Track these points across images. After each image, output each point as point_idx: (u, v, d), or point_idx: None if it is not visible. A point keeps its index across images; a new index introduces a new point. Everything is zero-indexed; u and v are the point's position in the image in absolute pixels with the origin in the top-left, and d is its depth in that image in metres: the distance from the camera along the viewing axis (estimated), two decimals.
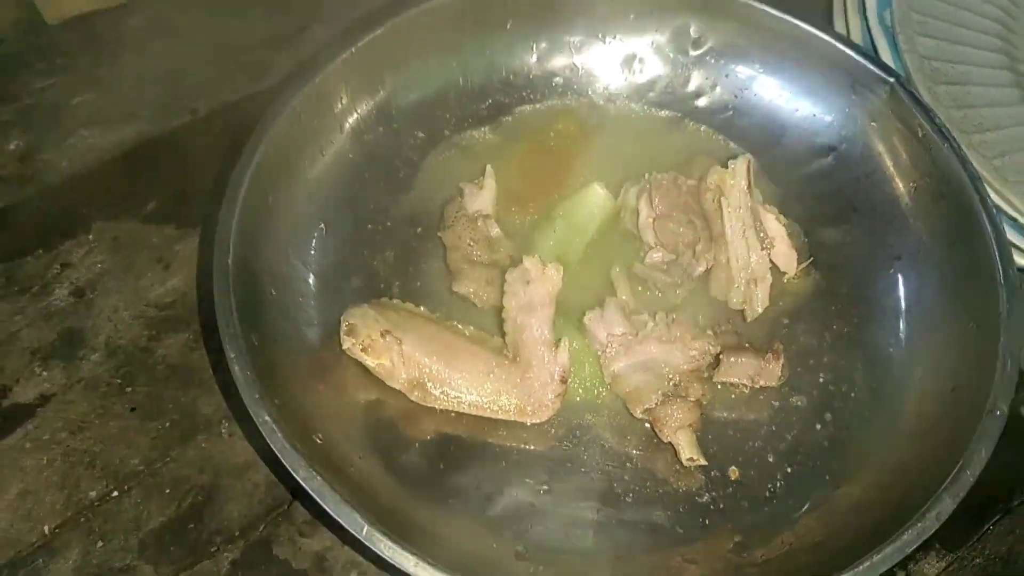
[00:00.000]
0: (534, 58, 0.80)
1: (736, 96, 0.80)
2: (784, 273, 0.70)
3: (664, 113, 0.80)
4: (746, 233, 0.67)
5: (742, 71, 0.79)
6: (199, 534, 0.61)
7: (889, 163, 0.73)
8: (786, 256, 0.70)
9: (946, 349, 0.65)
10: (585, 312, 0.65)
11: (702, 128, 0.80)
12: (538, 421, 0.62)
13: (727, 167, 0.69)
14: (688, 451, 0.61)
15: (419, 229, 0.72)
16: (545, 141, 0.78)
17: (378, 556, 0.50)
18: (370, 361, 0.63)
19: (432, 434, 0.63)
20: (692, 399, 0.62)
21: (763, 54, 0.78)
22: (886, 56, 0.76)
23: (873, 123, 0.73)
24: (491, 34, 0.78)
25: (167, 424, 0.66)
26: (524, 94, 0.80)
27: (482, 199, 0.71)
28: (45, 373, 0.67)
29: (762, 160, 0.77)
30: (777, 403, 0.66)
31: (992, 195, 0.68)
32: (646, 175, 0.72)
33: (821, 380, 0.67)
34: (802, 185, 0.76)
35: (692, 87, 0.80)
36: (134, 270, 0.73)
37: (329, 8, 0.91)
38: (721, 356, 0.64)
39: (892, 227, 0.71)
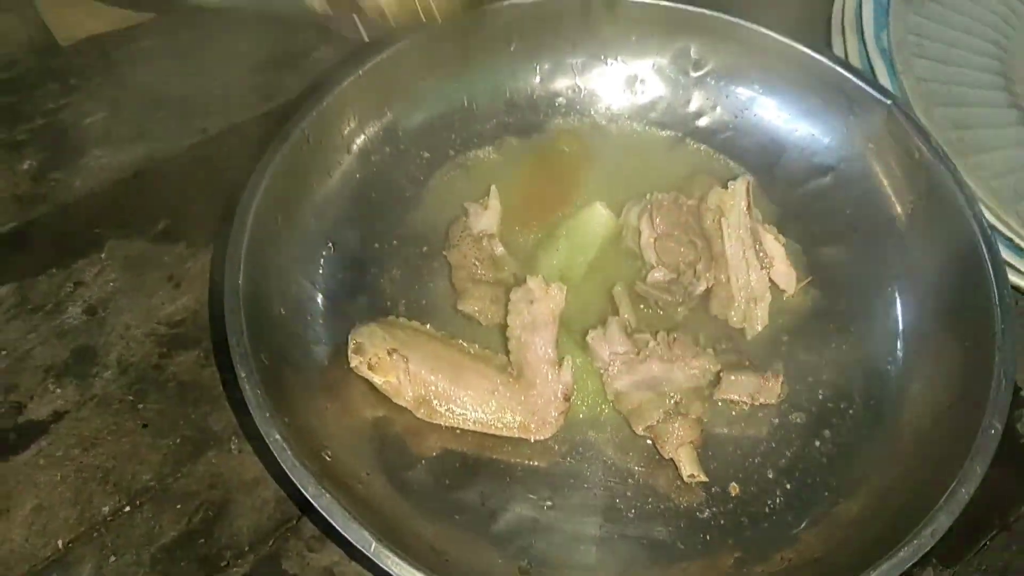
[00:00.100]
0: (537, 79, 0.82)
1: (736, 116, 0.81)
2: (783, 291, 0.72)
3: (665, 133, 0.82)
4: (746, 253, 0.68)
5: (742, 92, 0.81)
6: (209, 549, 0.63)
7: (887, 184, 0.74)
8: (785, 275, 0.71)
9: (943, 367, 0.66)
10: (588, 330, 0.67)
11: (702, 148, 0.81)
12: (542, 438, 0.64)
13: (727, 187, 0.70)
14: (689, 468, 0.62)
15: (425, 248, 0.74)
16: (548, 161, 0.79)
17: (386, 572, 0.52)
18: (377, 379, 0.64)
19: (438, 451, 0.64)
20: (693, 416, 0.63)
21: (763, 76, 0.79)
22: (883, 78, 0.77)
23: (871, 144, 0.75)
24: (495, 56, 0.80)
25: (178, 440, 0.67)
26: (527, 114, 0.82)
27: (486, 219, 0.72)
28: (59, 390, 0.68)
29: (761, 179, 0.78)
30: (777, 420, 0.67)
31: (988, 215, 0.70)
32: (647, 195, 0.73)
33: (820, 397, 0.68)
34: (801, 204, 0.78)
35: (693, 108, 0.82)
36: (145, 288, 0.74)
37: (337, 31, 0.92)
38: (721, 374, 0.66)
39: (890, 247, 0.73)
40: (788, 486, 0.64)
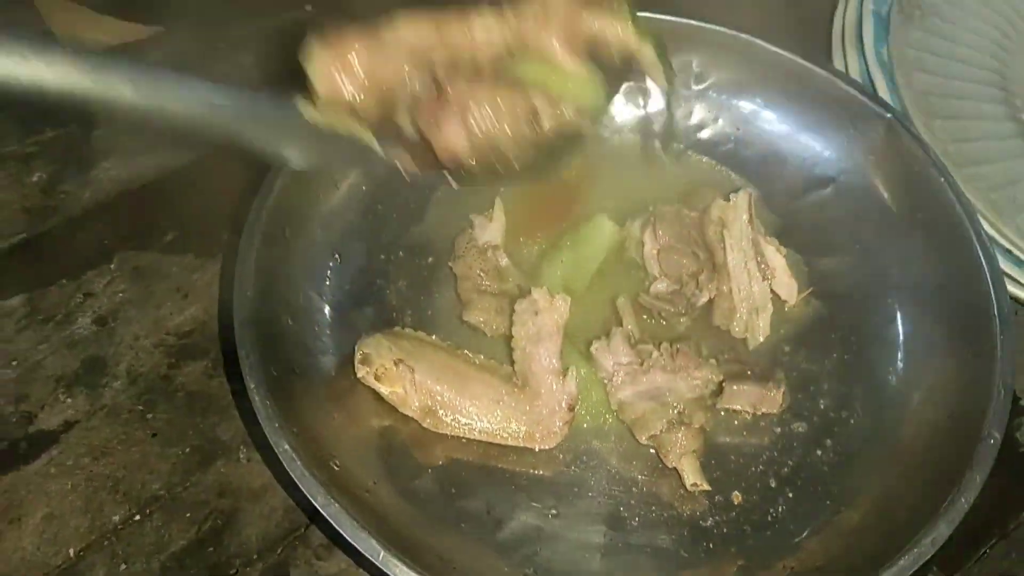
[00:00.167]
0: None
1: (738, 129, 0.82)
2: (785, 302, 0.72)
3: None
4: (748, 264, 0.69)
5: (744, 105, 0.82)
6: (219, 557, 0.63)
7: (887, 195, 0.75)
8: (787, 286, 0.72)
9: (943, 377, 0.67)
10: (592, 341, 0.68)
11: (704, 159, 0.82)
12: (547, 447, 0.64)
13: (729, 200, 0.71)
14: (692, 476, 0.63)
15: (430, 259, 0.75)
16: None
17: None
18: (384, 389, 0.65)
19: (444, 460, 0.65)
20: (696, 426, 0.64)
21: (764, 89, 0.80)
22: (883, 91, 0.78)
23: (871, 157, 0.76)
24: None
25: (187, 450, 0.68)
26: None
27: (492, 231, 0.73)
28: (69, 400, 0.69)
29: (763, 190, 0.79)
30: (779, 429, 0.68)
31: (986, 226, 0.70)
32: (650, 207, 0.74)
33: (821, 406, 0.69)
34: (802, 215, 0.78)
35: (695, 120, 0.83)
36: (154, 299, 0.75)
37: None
38: (724, 384, 0.66)
39: (890, 258, 0.74)
40: (790, 494, 0.65)
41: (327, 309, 0.70)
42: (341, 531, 0.53)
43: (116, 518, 0.64)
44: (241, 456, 0.68)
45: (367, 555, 0.53)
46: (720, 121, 0.83)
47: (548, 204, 0.77)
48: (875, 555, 0.56)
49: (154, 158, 0.84)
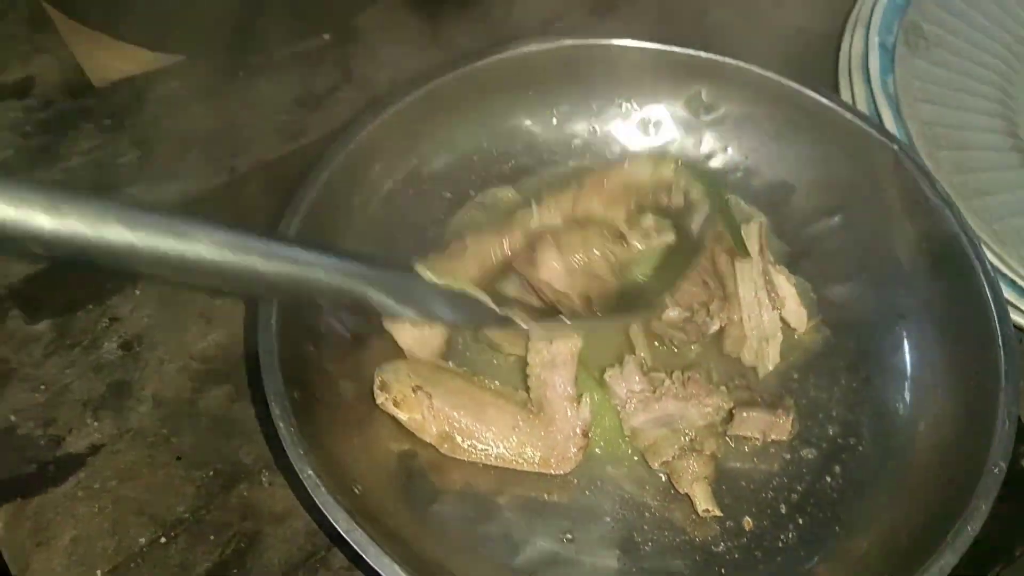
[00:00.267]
0: (555, 121, 0.85)
1: (746, 157, 0.84)
2: (794, 330, 0.74)
3: None
4: (758, 294, 0.71)
5: (752, 135, 0.83)
6: None
7: (893, 225, 0.77)
8: (796, 314, 0.74)
9: (949, 405, 0.68)
10: (605, 368, 0.69)
11: None
12: (562, 472, 0.66)
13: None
14: (704, 502, 0.65)
15: None
16: None
17: None
18: (402, 415, 0.67)
19: (461, 484, 0.66)
20: (707, 453, 0.66)
21: (772, 120, 0.82)
22: (889, 122, 0.80)
23: (878, 187, 0.77)
24: (515, 100, 0.83)
25: (211, 473, 0.69)
26: (544, 155, 0.85)
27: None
28: (96, 424, 0.71)
29: (772, 218, 0.81)
30: (788, 455, 0.69)
31: (990, 256, 0.72)
32: None
33: (830, 433, 0.71)
34: (810, 243, 0.80)
35: (705, 149, 0.85)
36: (178, 324, 0.77)
37: (358, 70, 0.95)
38: (734, 411, 0.68)
39: (897, 287, 0.75)
40: (800, 520, 0.66)
41: (347, 335, 0.72)
42: (365, 556, 0.55)
43: (142, 540, 0.66)
44: (263, 479, 0.70)
45: None
46: (729, 150, 0.85)
47: None
48: None
49: (178, 184, 0.86)
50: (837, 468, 0.68)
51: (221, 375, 0.74)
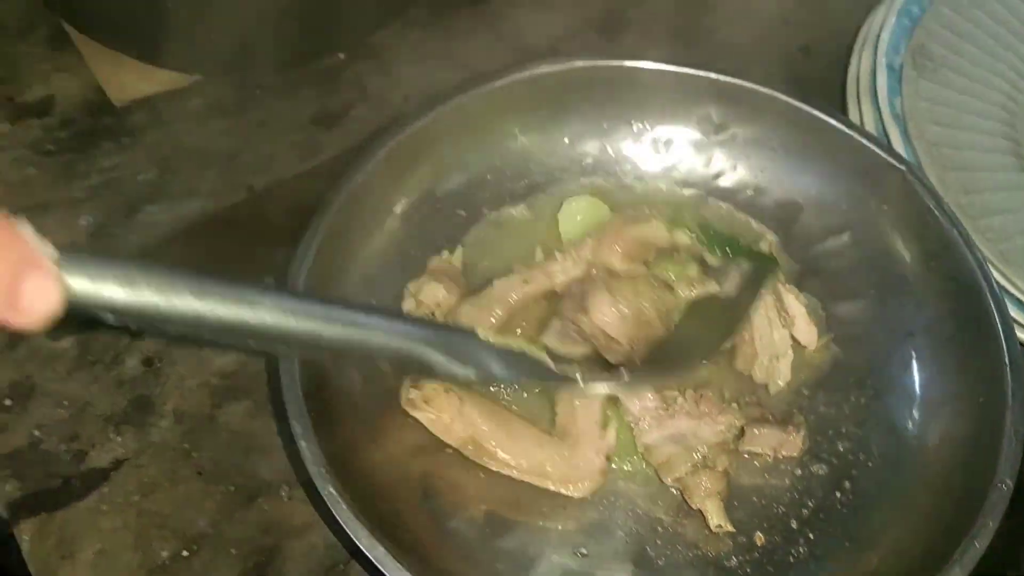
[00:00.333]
0: (566, 140, 0.86)
1: (755, 177, 0.85)
2: (804, 347, 0.75)
3: (688, 191, 0.86)
4: (768, 312, 0.72)
5: (761, 154, 0.85)
6: None
7: (901, 245, 0.78)
8: (806, 332, 0.75)
9: (957, 422, 0.70)
10: None
11: (724, 206, 0.85)
12: (581, 495, 0.67)
13: None
14: (716, 518, 0.66)
15: None
16: None
17: None
18: (430, 414, 0.68)
19: (479, 500, 0.68)
20: (719, 469, 0.67)
21: (781, 140, 0.83)
22: (897, 143, 0.81)
23: (885, 207, 0.78)
24: (527, 120, 0.84)
25: (231, 488, 0.71)
26: (556, 173, 0.86)
27: None
28: (119, 439, 0.72)
29: (781, 236, 0.82)
30: (799, 471, 0.70)
31: (997, 276, 0.73)
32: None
33: (840, 449, 0.72)
34: (819, 261, 0.81)
35: (714, 168, 0.86)
36: (198, 340, 0.78)
37: (373, 89, 0.97)
38: (745, 427, 0.69)
39: (905, 305, 0.76)
40: (811, 535, 0.67)
41: None
42: (385, 572, 0.56)
43: (165, 554, 0.67)
44: (283, 494, 0.71)
45: None
46: (739, 168, 0.86)
47: None
48: None
49: (197, 201, 0.87)
50: (847, 484, 0.70)
51: (240, 391, 0.76)
